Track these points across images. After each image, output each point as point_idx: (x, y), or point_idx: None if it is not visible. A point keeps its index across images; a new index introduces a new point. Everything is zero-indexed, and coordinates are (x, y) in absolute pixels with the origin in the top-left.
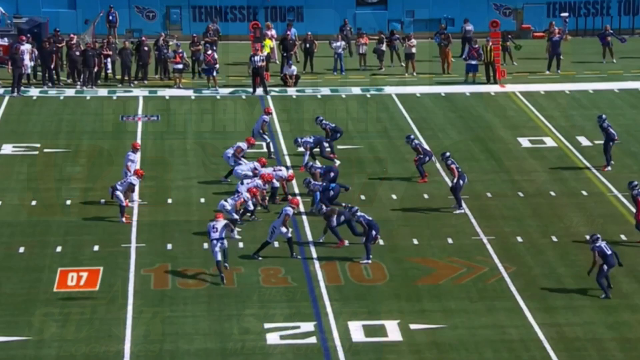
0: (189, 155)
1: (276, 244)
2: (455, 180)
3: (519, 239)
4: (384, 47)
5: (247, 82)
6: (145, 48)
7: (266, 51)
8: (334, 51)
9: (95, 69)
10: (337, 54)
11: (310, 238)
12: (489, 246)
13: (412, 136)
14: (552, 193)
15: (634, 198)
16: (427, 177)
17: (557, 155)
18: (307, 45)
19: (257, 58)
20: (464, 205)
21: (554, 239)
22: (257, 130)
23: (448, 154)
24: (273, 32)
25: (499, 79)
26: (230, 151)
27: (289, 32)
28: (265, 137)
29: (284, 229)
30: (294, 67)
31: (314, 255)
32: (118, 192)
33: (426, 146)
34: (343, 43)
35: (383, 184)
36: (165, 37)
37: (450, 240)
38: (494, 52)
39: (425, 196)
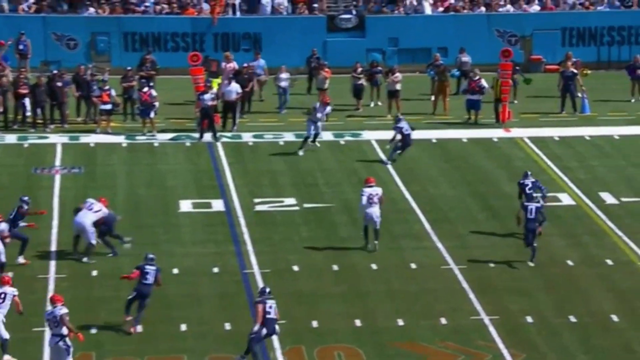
0: (119, 216)
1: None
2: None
3: (529, 318)
4: (363, 82)
5: (192, 126)
6: (59, 84)
7: (215, 88)
8: (277, 86)
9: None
10: (282, 89)
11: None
12: (491, 328)
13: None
14: (570, 262)
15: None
16: None
17: (576, 215)
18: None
19: (207, 96)
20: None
21: (572, 318)
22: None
23: (400, 117)
24: (233, 64)
25: (503, 121)
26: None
27: (246, 65)
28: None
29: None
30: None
31: (275, 341)
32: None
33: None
34: (287, 75)
35: (361, 250)
36: (92, 70)
37: (444, 321)
38: (503, 87)
39: (413, 266)
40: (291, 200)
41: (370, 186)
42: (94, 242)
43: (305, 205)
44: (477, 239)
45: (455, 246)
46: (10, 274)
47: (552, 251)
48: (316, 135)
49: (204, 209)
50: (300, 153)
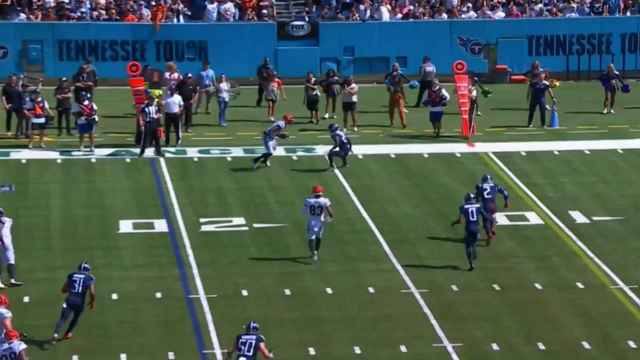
0: (54, 238)
1: None
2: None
3: (495, 346)
4: (318, 92)
5: (132, 141)
6: None
7: (156, 100)
8: (218, 97)
9: None
10: (224, 101)
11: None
12: (455, 356)
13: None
14: (538, 285)
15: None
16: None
17: (544, 235)
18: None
19: (152, 109)
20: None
21: (541, 346)
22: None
23: (336, 125)
24: (177, 74)
25: (467, 135)
26: None
27: (190, 75)
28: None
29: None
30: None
31: None
32: None
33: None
34: (228, 85)
35: (314, 273)
36: (23, 81)
37: (404, 349)
38: (460, 100)
39: (371, 290)
40: (240, 220)
41: (317, 196)
42: (13, 262)
43: (255, 225)
44: (440, 261)
45: (416, 269)
46: None
47: (519, 274)
48: (268, 155)
49: (145, 229)
50: (254, 166)
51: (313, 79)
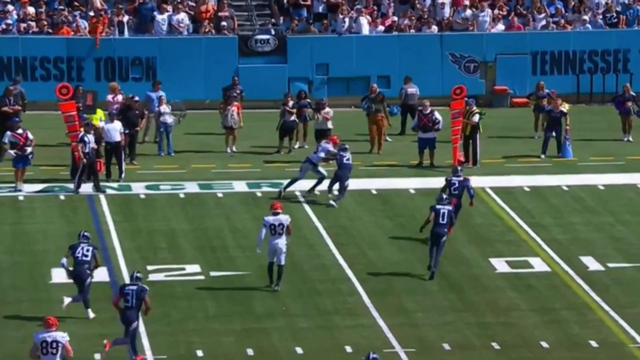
0: None
1: None
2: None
3: None
4: (295, 118)
5: (66, 175)
6: None
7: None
8: (161, 122)
9: None
10: (165, 127)
11: None
12: None
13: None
14: (544, 343)
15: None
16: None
17: (551, 284)
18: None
19: (90, 137)
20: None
21: None
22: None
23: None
24: (120, 97)
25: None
26: None
27: (136, 97)
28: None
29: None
30: None
31: None
32: None
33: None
34: (168, 109)
35: (282, 329)
36: None
37: None
38: (453, 129)
39: (348, 349)
40: (194, 268)
41: (276, 213)
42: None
43: (212, 273)
44: (429, 315)
45: (401, 324)
46: None
47: (522, 330)
48: (320, 180)
49: None
50: (308, 193)
51: (291, 102)
